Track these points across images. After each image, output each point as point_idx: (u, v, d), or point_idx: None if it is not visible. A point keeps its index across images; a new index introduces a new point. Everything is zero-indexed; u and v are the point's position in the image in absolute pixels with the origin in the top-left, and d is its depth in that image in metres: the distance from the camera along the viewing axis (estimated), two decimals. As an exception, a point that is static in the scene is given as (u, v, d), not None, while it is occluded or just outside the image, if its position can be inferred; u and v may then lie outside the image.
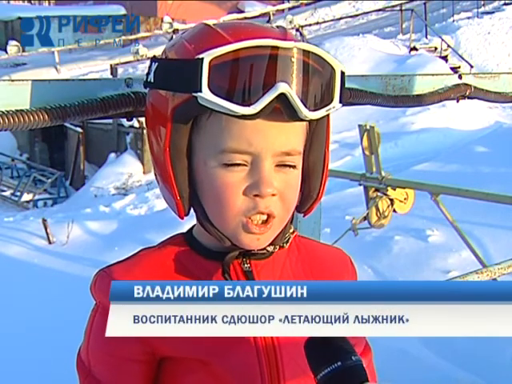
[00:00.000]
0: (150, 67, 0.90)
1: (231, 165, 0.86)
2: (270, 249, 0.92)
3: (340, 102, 0.88)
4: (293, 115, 0.84)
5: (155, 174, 0.93)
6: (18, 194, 14.25)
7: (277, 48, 0.82)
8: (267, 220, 0.87)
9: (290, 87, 0.82)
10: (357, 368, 0.77)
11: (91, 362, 0.93)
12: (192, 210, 0.92)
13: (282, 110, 0.83)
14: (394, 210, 4.16)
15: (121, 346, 0.91)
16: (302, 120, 0.85)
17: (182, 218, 0.91)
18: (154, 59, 0.89)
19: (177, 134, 0.87)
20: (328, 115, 0.90)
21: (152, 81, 0.89)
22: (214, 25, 0.89)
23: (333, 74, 0.86)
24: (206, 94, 0.81)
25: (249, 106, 0.82)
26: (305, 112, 0.84)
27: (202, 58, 0.81)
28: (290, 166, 0.88)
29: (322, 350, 0.78)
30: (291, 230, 0.96)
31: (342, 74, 0.87)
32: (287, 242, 0.95)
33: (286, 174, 0.88)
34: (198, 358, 0.90)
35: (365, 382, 0.76)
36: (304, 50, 0.83)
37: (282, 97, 0.82)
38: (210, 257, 0.93)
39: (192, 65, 0.82)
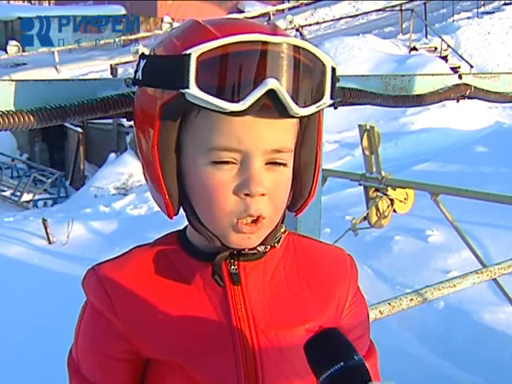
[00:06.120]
0: (138, 64, 0.88)
1: (220, 162, 0.84)
2: (261, 249, 0.90)
3: (331, 98, 0.85)
4: (283, 112, 0.81)
5: (144, 175, 0.92)
6: (18, 193, 14.25)
7: (266, 43, 0.80)
8: (257, 219, 0.85)
9: (279, 83, 0.80)
10: (360, 368, 0.75)
11: (79, 360, 0.94)
12: (182, 209, 0.90)
13: (272, 106, 0.81)
14: (394, 210, 4.15)
15: (107, 345, 0.91)
16: (292, 117, 0.83)
17: (171, 218, 0.90)
18: (142, 56, 0.88)
19: (165, 131, 0.85)
20: (320, 112, 0.88)
21: (140, 78, 0.87)
22: (202, 21, 0.87)
23: (324, 70, 0.84)
24: (193, 91, 0.79)
25: (237, 102, 0.79)
26: (295, 108, 0.81)
27: (190, 54, 0.79)
28: (280, 164, 0.86)
29: (323, 351, 0.77)
30: (282, 230, 0.94)
31: (333, 69, 0.85)
32: (278, 241, 0.93)
33: (276, 173, 0.86)
34: (175, 362, 0.89)
35: (368, 381, 0.75)
36: (294, 46, 0.81)
37: (272, 93, 0.80)
38: (198, 257, 0.92)
39: (179, 61, 0.80)
